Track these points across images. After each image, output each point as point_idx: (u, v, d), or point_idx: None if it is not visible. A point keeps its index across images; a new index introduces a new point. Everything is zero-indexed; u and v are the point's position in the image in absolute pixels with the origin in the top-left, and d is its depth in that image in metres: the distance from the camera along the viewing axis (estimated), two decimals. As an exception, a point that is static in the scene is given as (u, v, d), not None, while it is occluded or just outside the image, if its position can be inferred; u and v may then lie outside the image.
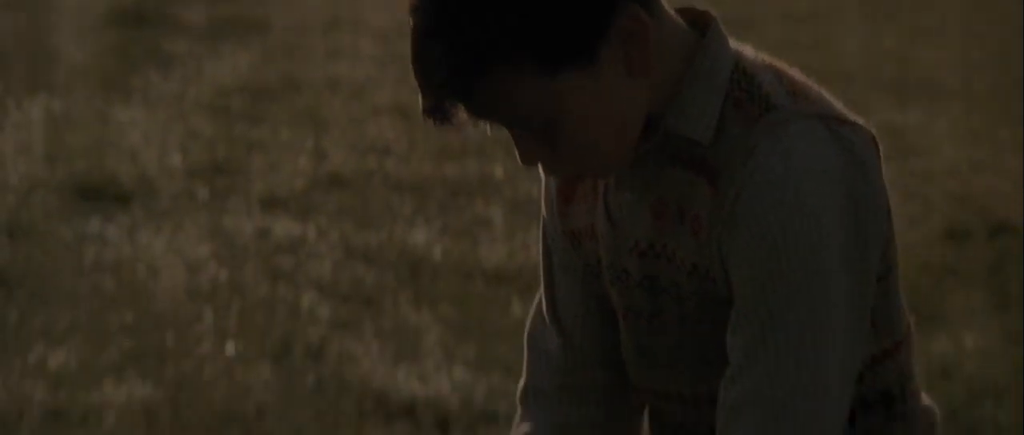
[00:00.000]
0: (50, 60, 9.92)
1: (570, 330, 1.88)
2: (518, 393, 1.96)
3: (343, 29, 11.23)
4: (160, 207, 8.54)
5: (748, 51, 1.76)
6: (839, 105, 1.76)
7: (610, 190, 1.80)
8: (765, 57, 1.77)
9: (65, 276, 8.07)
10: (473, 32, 1.67)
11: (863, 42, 10.78)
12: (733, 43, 1.76)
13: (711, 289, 1.75)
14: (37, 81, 9.39)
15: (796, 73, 1.76)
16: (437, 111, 1.71)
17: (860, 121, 1.76)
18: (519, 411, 1.94)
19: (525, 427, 1.92)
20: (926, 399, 1.90)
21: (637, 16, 1.71)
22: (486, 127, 1.74)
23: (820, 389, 1.66)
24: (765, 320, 1.67)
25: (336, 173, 8.98)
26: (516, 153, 1.73)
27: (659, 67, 1.73)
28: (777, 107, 1.73)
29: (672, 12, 1.76)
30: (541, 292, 1.91)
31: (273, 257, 8.78)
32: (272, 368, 6.54)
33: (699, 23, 1.76)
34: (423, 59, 1.69)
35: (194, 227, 8.37)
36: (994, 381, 6.37)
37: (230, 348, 6.79)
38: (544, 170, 1.76)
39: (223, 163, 8.76)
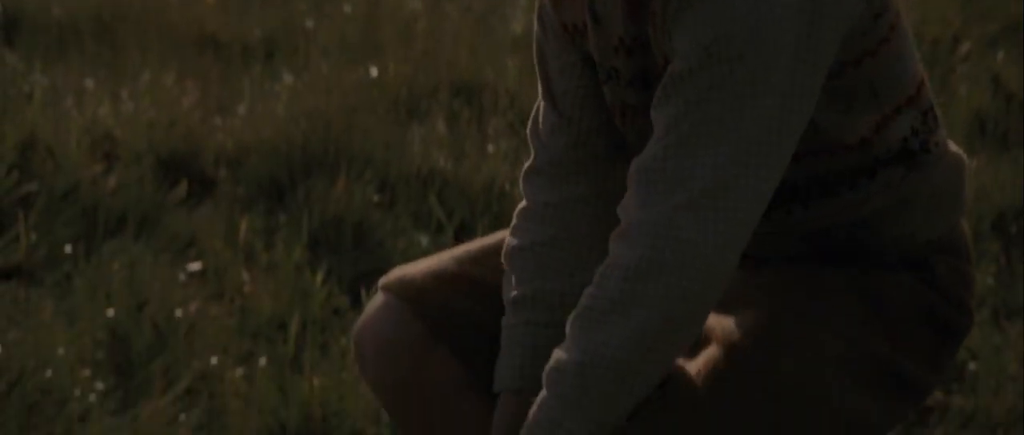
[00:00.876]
0: None
1: (564, 107, 1.88)
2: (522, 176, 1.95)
3: None
4: None
5: None
6: None
7: None
8: None
9: None
10: None
11: None
12: None
13: None
14: None
15: None
16: None
17: None
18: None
19: (521, 205, 1.93)
20: (953, 147, 1.87)
21: None
22: None
23: (727, 174, 1.63)
24: (691, 97, 1.64)
25: None
26: None
27: None
28: None
29: None
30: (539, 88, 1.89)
31: None
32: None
33: None
34: None
35: None
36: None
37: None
38: None
39: None
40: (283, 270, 3.28)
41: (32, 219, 3.40)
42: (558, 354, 1.68)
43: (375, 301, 1.92)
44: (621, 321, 1.64)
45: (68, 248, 3.33)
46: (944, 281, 1.82)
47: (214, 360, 2.96)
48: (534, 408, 1.68)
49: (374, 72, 4.46)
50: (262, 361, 2.96)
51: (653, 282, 1.64)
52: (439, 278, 1.91)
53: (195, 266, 3.32)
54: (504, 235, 1.96)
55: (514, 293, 1.85)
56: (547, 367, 1.69)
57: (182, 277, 3.27)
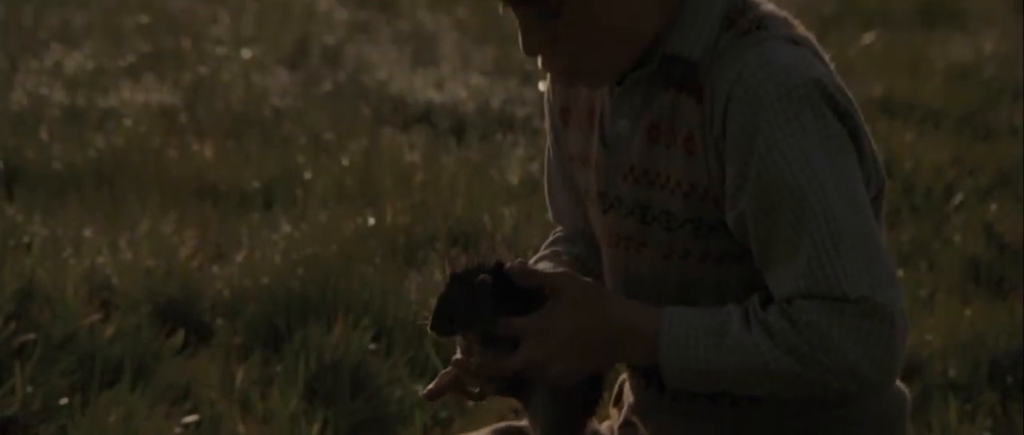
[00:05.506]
0: None
1: (563, 217, 2.01)
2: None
3: None
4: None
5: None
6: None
7: (606, 118, 1.86)
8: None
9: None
10: None
11: None
12: None
13: (707, 213, 1.81)
14: None
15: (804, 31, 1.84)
16: None
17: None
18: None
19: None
20: (897, 382, 1.97)
21: None
22: (499, 6, 1.80)
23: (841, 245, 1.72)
24: (785, 229, 1.74)
25: None
26: (520, 40, 1.79)
27: None
28: (768, 28, 1.80)
29: None
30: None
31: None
32: (288, 72, 6.56)
33: None
34: None
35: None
36: (1012, 83, 6.37)
37: (246, 52, 6.78)
38: (542, 63, 1.83)
39: None
40: (279, 420, 3.27)
41: (28, 370, 3.39)
42: (738, 314, 1.76)
43: None
44: (785, 357, 1.74)
45: (64, 400, 3.33)
46: None
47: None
48: (697, 317, 1.77)
49: (372, 220, 4.49)
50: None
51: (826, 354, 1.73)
52: None
53: (191, 418, 3.32)
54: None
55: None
56: (733, 311, 1.76)
57: (178, 430, 3.26)
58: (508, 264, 1.82)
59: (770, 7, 1.83)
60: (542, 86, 2.04)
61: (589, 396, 1.84)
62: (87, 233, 4.32)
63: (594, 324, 1.78)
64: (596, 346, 1.78)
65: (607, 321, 1.78)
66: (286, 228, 4.43)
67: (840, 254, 1.74)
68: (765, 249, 1.77)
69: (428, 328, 1.79)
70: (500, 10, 1.83)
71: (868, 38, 7.24)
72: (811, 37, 1.84)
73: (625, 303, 1.81)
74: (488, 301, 1.77)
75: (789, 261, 1.75)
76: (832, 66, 1.83)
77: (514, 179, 5.01)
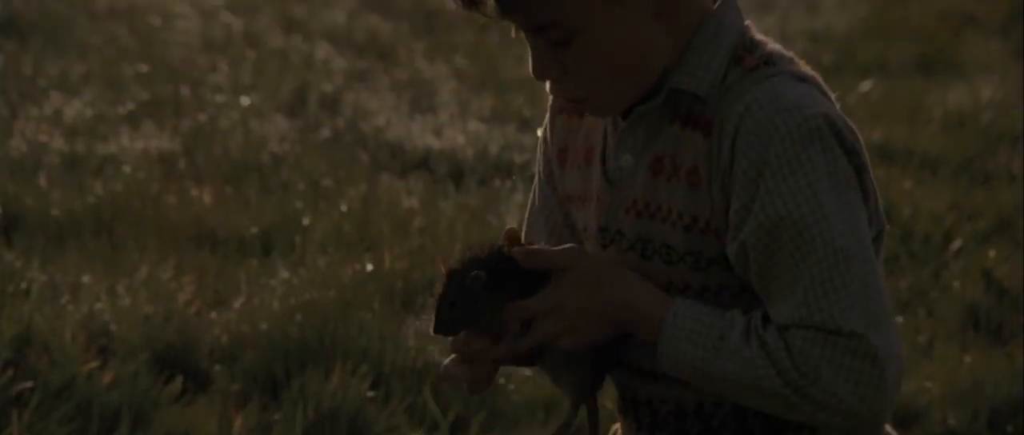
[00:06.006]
0: None
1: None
2: None
3: None
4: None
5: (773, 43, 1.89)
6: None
7: (610, 153, 1.90)
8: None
9: (78, 25, 8.03)
10: None
11: None
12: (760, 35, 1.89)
13: (707, 246, 1.83)
14: None
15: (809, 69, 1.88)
16: None
17: None
18: None
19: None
20: (888, 429, 1.97)
21: None
22: (511, 28, 1.83)
23: (844, 287, 1.74)
24: (786, 259, 1.76)
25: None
26: (530, 64, 1.84)
27: (679, 20, 1.84)
28: (775, 64, 1.83)
29: None
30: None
31: (287, 6, 8.71)
32: (287, 120, 6.57)
33: None
34: None
35: (206, -25, 8.30)
36: (1009, 130, 6.39)
37: (245, 99, 6.80)
38: (551, 88, 1.85)
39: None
40: (277, 468, 3.26)
41: (25, 418, 3.38)
42: (742, 325, 1.78)
43: None
44: (776, 377, 1.76)
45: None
46: None
47: None
48: (702, 315, 1.79)
49: (370, 266, 4.49)
50: None
51: (817, 387, 1.76)
52: None
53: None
54: None
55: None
56: (738, 319, 1.79)
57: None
58: (511, 247, 1.85)
59: (777, 46, 1.87)
60: (540, 132, 2.05)
61: (607, 352, 1.89)
62: (85, 279, 4.31)
63: (595, 303, 1.82)
64: (597, 323, 1.83)
65: (608, 303, 1.82)
66: (284, 274, 4.43)
67: (836, 288, 1.76)
68: (766, 280, 1.79)
69: (431, 331, 1.81)
70: (513, 33, 1.85)
71: (866, 86, 7.26)
72: (817, 75, 1.86)
73: (630, 284, 1.83)
74: (485, 295, 1.81)
75: (789, 292, 1.77)
76: (837, 105, 1.85)
77: (512, 224, 5.01)
